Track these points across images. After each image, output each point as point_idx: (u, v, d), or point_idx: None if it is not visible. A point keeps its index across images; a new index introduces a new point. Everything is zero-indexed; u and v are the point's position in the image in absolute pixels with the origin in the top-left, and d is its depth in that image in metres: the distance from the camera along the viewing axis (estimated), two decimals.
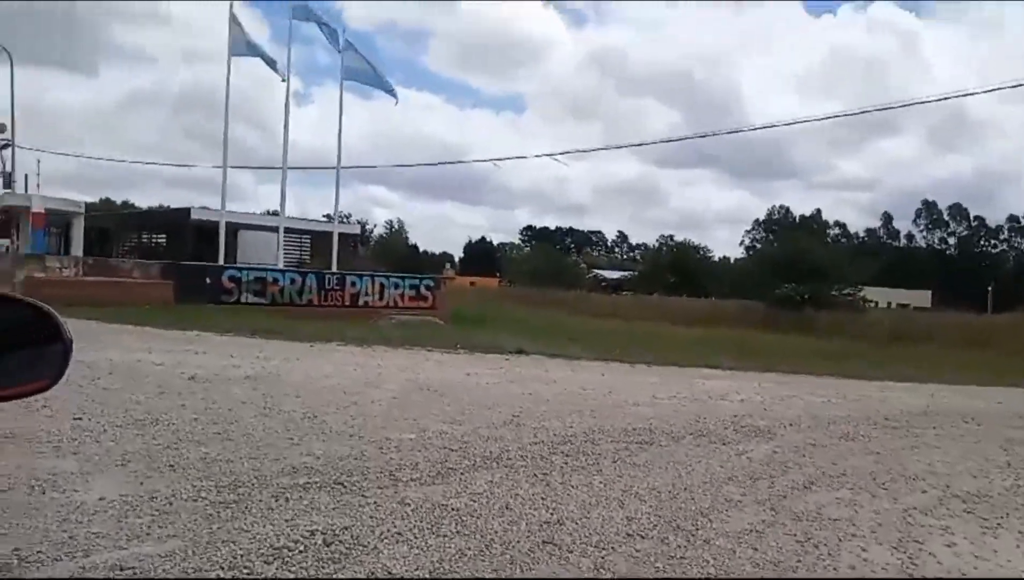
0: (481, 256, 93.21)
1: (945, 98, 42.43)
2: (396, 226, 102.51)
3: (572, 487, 4.91)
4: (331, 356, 11.77)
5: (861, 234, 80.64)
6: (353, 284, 23.60)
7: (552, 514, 4.30)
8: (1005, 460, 6.74)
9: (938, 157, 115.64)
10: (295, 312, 21.86)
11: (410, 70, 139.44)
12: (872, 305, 47.93)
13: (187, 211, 30.49)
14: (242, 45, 23.22)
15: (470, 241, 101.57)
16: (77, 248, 20.95)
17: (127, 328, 14.01)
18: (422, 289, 24.83)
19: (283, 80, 23.77)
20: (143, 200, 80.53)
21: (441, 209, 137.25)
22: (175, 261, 22.23)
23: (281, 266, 23.97)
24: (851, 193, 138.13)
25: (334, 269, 24.35)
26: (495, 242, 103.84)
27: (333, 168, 26.23)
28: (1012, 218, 72.84)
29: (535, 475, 5.16)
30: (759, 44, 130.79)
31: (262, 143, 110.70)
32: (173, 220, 32.01)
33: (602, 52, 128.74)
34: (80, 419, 5.93)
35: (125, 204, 73.17)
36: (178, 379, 8.19)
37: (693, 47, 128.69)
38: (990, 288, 69.63)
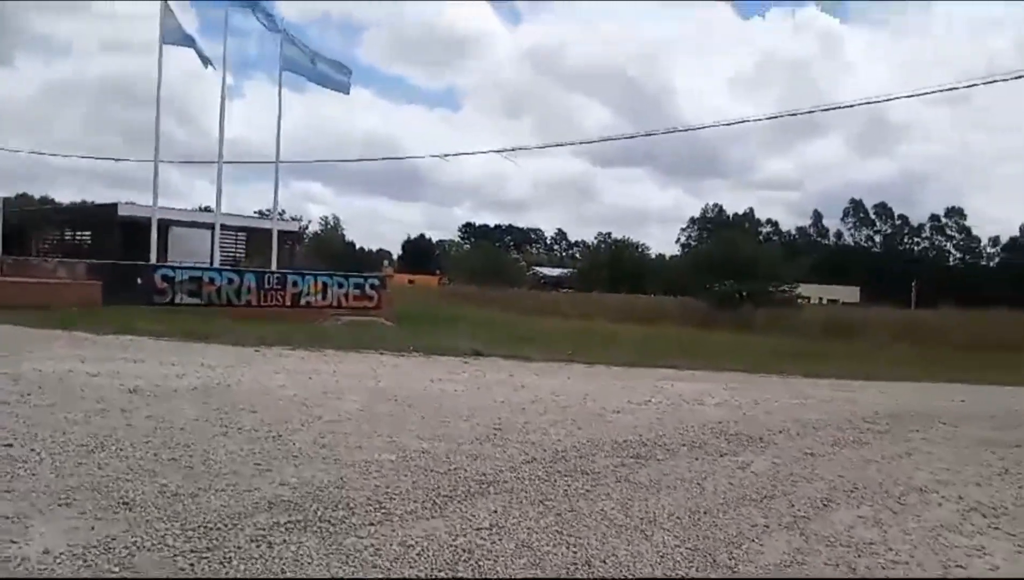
0: (420, 254, 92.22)
1: (868, 102, 43.26)
2: (332, 223, 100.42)
3: (584, 516, 4.43)
4: (280, 362, 11.00)
5: (792, 232, 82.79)
6: (295, 284, 22.64)
7: (575, 552, 3.81)
8: (1001, 466, 6.56)
9: (863, 159, 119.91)
10: (234, 313, 20.79)
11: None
12: (805, 301, 49.08)
13: (114, 207, 28.89)
14: (176, 34, 22.00)
15: (408, 238, 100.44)
16: None
17: (54, 333, 12.91)
18: (367, 288, 24.02)
19: (212, 69, 22.72)
20: (63, 196, 76.76)
21: (376, 205, 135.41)
22: (102, 260, 20.86)
23: (216, 264, 22.80)
24: (780, 192, 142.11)
25: (273, 268, 23.34)
26: (434, 239, 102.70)
27: (271, 162, 25.13)
28: (933, 217, 76.00)
29: (539, 502, 4.66)
30: (692, 44, 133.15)
31: (190, 137, 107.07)
32: (98, 216, 30.31)
33: (537, 49, 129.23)
34: (10, 446, 5.15)
35: (44, 200, 69.44)
36: (118, 393, 7.37)
37: (627, 45, 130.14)
38: (914, 284, 72.36)
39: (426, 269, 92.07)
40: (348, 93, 26.06)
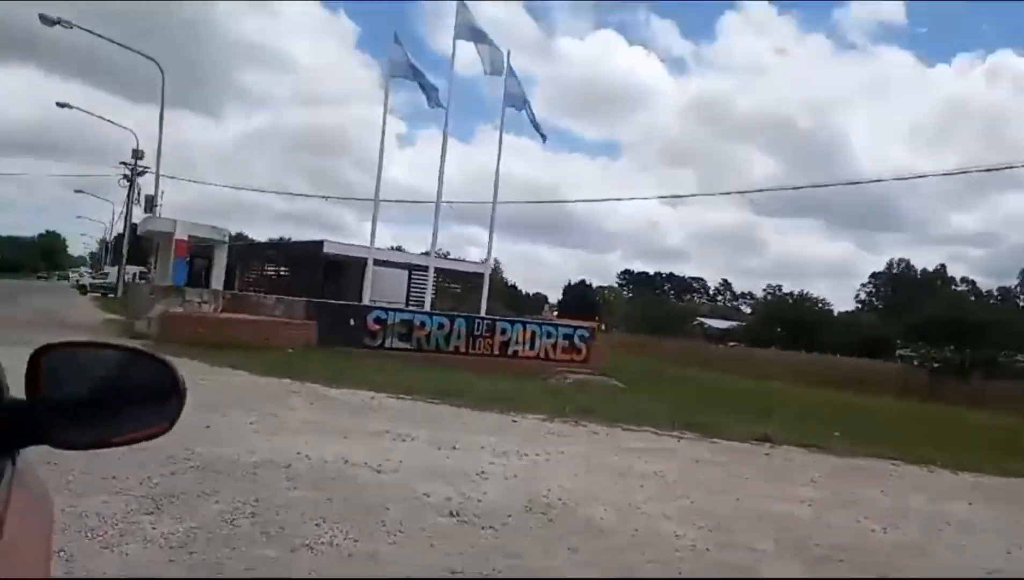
0: (580, 299, 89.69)
1: None
2: (494, 265, 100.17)
3: None
4: (566, 445, 8.50)
5: (994, 292, 73.33)
6: (503, 331, 20.60)
7: None
8: None
9: None
10: (443, 360, 18.96)
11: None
12: None
13: (319, 244, 28.32)
14: (402, 67, 21.04)
15: (569, 283, 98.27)
16: (218, 280, 18.66)
17: (285, 384, 11.21)
18: (576, 339, 21.61)
19: (437, 106, 21.36)
20: (252, 232, 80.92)
21: (534, 250, 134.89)
22: (308, 297, 19.68)
23: (427, 307, 21.16)
24: (965, 248, 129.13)
25: (483, 313, 21.40)
26: (592, 285, 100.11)
27: (489, 202, 23.28)
28: None
29: None
30: (867, 93, 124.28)
31: (364, 180, 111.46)
32: (303, 253, 29.95)
33: (701, 99, 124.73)
34: None
35: (239, 236, 73.29)
36: (430, 511, 5.08)
37: (797, 95, 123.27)
38: None
39: (587, 314, 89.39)
40: (544, 141, 24.02)
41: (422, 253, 31.84)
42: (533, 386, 14.77)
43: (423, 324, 19.48)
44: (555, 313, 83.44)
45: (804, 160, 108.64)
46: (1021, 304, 68.55)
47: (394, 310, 19.78)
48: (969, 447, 12.32)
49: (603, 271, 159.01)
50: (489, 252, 23.30)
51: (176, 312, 16.11)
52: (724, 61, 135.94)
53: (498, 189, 22.70)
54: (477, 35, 20.84)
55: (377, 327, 18.88)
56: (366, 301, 25.69)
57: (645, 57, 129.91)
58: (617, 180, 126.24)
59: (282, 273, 32.09)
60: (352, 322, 18.72)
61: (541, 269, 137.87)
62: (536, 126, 22.39)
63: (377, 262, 31.10)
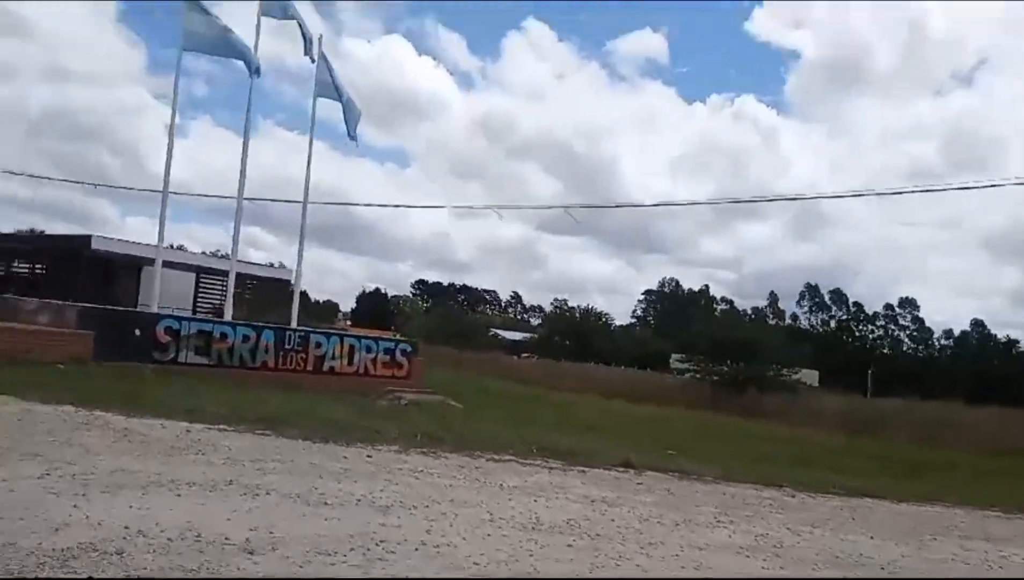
0: (375, 309, 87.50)
1: (801, 198, 41.51)
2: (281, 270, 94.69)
3: None
4: (433, 487, 7.19)
5: (749, 312, 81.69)
6: (318, 345, 18.66)
7: None
8: None
9: (796, 243, 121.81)
10: (249, 377, 16.69)
11: (297, 112, 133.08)
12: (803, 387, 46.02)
13: (86, 239, 24.27)
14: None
15: (364, 291, 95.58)
16: None
17: (69, 413, 8.78)
18: (397, 354, 20.16)
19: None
20: None
21: (323, 256, 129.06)
22: (93, 304, 16.51)
23: (227, 316, 18.61)
24: (718, 270, 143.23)
25: (293, 323, 19.25)
26: (387, 294, 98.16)
27: (297, 202, 21.14)
28: (888, 306, 76.02)
29: None
30: (635, 123, 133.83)
31: (124, 171, 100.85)
32: (64, 249, 25.54)
33: (489, 115, 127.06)
34: None
35: None
36: None
37: (574, 119, 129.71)
38: (870, 371, 71.60)
39: (381, 325, 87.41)
40: (356, 140, 22.22)
41: (210, 254, 28.60)
42: (367, 409, 13.23)
43: (224, 336, 17.03)
44: (348, 322, 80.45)
45: (581, 182, 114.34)
46: (774, 323, 76.75)
47: (190, 319, 17.13)
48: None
49: (393, 280, 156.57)
50: (300, 257, 21.00)
51: None
52: (509, 80, 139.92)
53: (308, 190, 20.56)
54: (287, 13, 18.85)
55: (168, 339, 16.17)
56: (147, 307, 22.41)
57: (434, 68, 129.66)
58: (406, 189, 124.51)
59: (37, 272, 27.20)
60: (137, 332, 15.87)
61: (330, 276, 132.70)
62: (348, 123, 20.58)
63: (168, 265, 27.53)
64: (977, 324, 73.30)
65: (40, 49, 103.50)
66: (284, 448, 8.26)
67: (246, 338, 17.30)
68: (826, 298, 78.00)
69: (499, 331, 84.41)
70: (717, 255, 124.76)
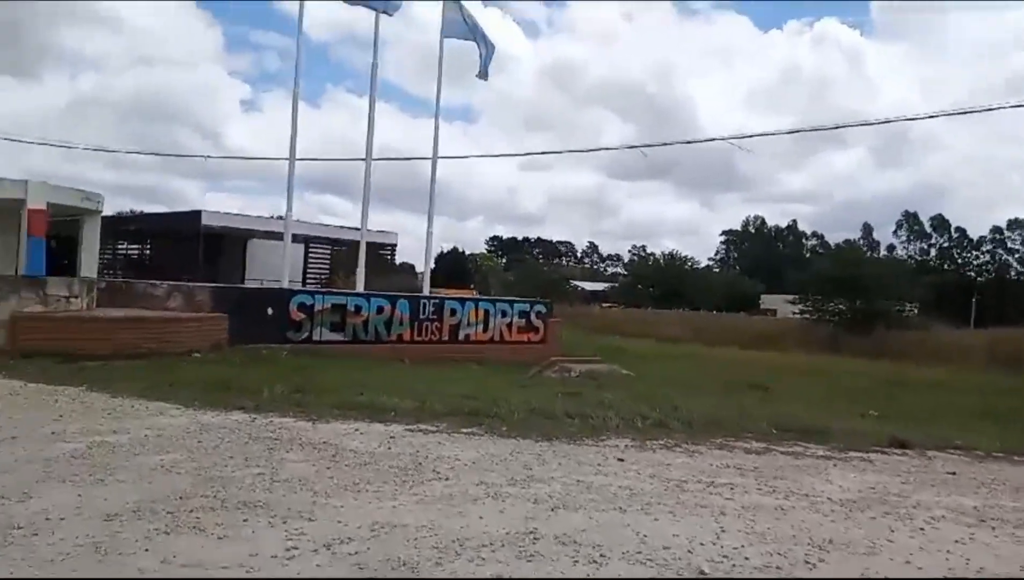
0: (455, 267, 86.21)
1: (889, 121, 36.59)
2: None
3: None
4: (743, 496, 5.24)
5: (841, 245, 77.02)
6: (453, 312, 16.94)
7: None
8: None
9: (881, 171, 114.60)
10: (386, 352, 15.12)
11: (364, 78, 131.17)
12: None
13: (195, 215, 23.09)
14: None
15: (442, 251, 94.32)
16: (90, 266, 13.39)
17: (244, 422, 7.11)
18: (532, 317, 18.30)
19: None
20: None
21: (393, 218, 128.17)
22: (229, 283, 15.08)
23: (360, 287, 16.97)
24: (798, 205, 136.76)
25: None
26: (464, 253, 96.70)
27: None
28: (995, 229, 70.24)
29: None
30: (709, 59, 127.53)
31: (205, 148, 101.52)
32: (174, 226, 24.46)
33: (556, 64, 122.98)
34: None
35: None
36: None
37: (645, 60, 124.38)
38: (974, 300, 66.72)
39: (462, 283, 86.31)
40: (486, 79, 20.26)
41: (319, 224, 27.19)
42: (544, 386, 11.39)
43: (359, 309, 15.44)
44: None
45: (654, 124, 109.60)
46: (868, 255, 72.09)
47: (323, 293, 15.56)
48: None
49: (467, 238, 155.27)
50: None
51: (34, 312, 11.21)
52: (577, 25, 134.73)
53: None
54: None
55: (303, 316, 14.66)
56: (266, 281, 21.09)
57: (501, 19, 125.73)
58: (476, 145, 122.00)
59: (147, 252, 26.32)
60: (271, 311, 14.40)
61: (404, 238, 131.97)
62: (482, 59, 18.54)
63: (260, 233, 26.24)
64: None
65: (127, 39, 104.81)
66: (517, 455, 6.39)
67: (380, 310, 15.68)
68: (926, 226, 72.78)
69: (578, 283, 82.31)
70: (798, 189, 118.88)
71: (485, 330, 17.32)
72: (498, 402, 8.88)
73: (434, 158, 18.95)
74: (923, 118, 38.73)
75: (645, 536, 4.28)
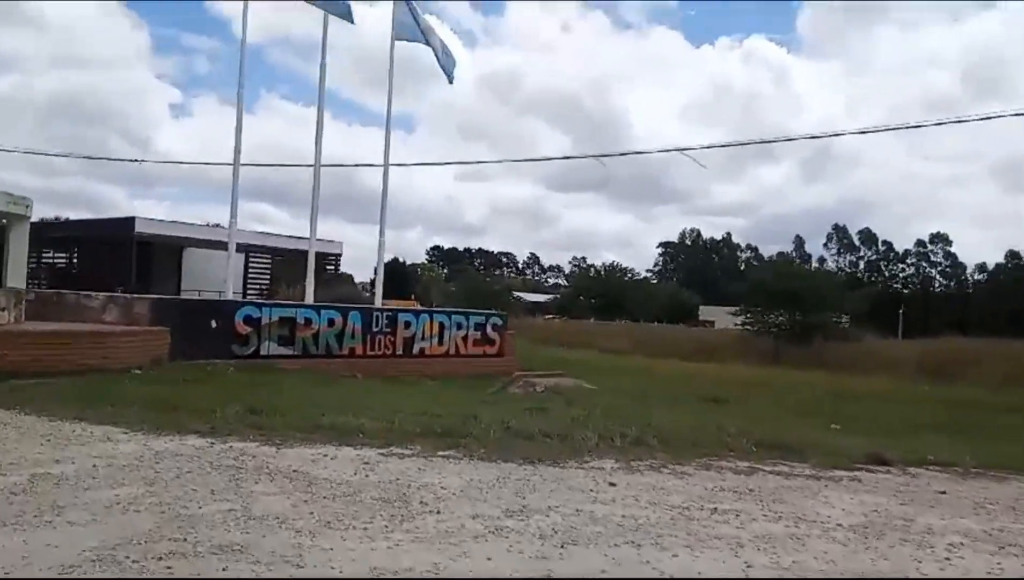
0: (397, 278, 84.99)
1: (815, 136, 38.21)
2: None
3: None
4: (756, 524, 4.97)
5: (774, 257, 79.15)
6: (407, 325, 16.40)
7: None
8: None
9: (807, 185, 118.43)
10: (339, 367, 14.50)
11: (299, 84, 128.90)
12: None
13: (129, 222, 21.88)
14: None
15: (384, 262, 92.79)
16: (18, 275, 12.26)
17: (198, 447, 6.52)
18: (488, 330, 17.91)
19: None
20: None
21: (330, 227, 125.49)
22: (163, 294, 14.19)
23: (309, 299, 16.26)
24: (729, 218, 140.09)
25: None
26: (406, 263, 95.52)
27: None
28: (919, 242, 73.23)
29: None
30: (644, 72, 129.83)
31: (132, 153, 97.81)
32: (104, 233, 23.13)
33: (494, 73, 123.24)
34: None
35: None
36: None
37: (582, 72, 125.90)
38: (901, 311, 69.33)
39: (402, 294, 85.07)
40: (452, 82, 20.01)
41: (259, 232, 26.19)
42: (513, 403, 11.01)
43: (309, 321, 14.76)
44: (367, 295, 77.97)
45: (590, 135, 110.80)
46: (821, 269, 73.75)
47: (271, 305, 14.82)
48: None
49: (405, 248, 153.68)
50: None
51: None
52: (514, 36, 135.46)
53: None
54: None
55: (249, 329, 13.91)
56: (217, 294, 20.08)
57: (439, 27, 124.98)
58: (414, 154, 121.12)
59: (73, 261, 24.81)
60: (215, 324, 13.61)
61: (343, 248, 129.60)
62: (446, 65, 18.12)
63: (197, 242, 25.11)
64: (1013, 255, 70.33)
65: (49, 38, 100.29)
66: (504, 481, 5.98)
67: (331, 322, 15.04)
68: (855, 239, 75.41)
69: (520, 294, 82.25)
70: (732, 202, 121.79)
71: (440, 343, 16.84)
72: (469, 421, 8.47)
73: (385, 165, 18.44)
74: (851, 133, 40.07)
75: (672, 576, 3.95)
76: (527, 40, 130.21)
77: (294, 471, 5.91)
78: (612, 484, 6.17)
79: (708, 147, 26.09)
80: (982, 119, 20.58)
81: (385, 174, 18.20)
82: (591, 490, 5.89)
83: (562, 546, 4.37)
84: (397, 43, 17.34)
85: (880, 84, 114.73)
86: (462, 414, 9.11)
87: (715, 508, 5.52)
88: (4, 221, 11.56)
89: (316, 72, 17.48)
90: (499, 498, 5.41)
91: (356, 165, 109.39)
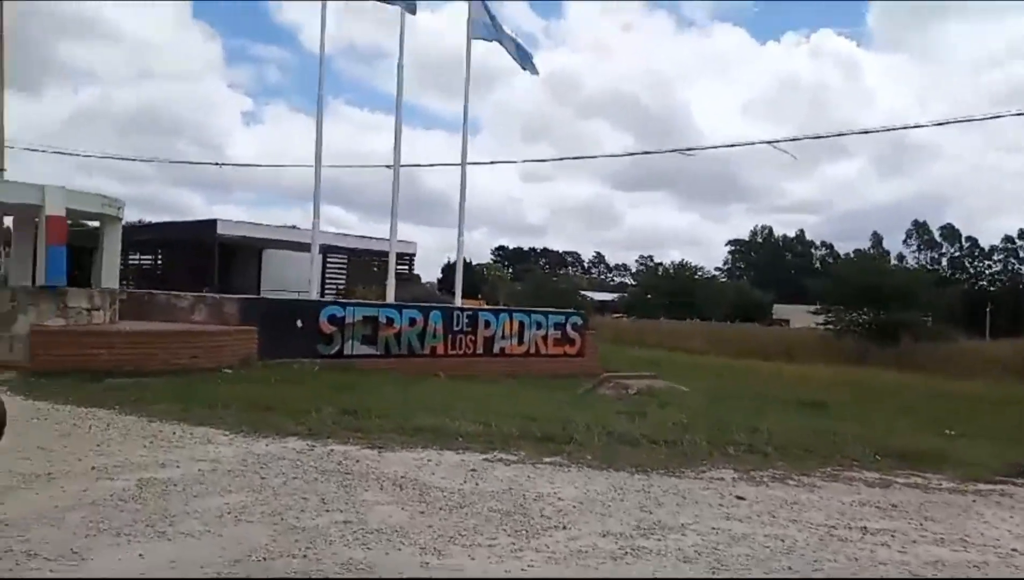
0: (463, 277, 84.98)
1: (888, 129, 35.72)
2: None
3: None
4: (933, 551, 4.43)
5: (851, 254, 76.16)
6: (487, 324, 16.10)
7: None
8: None
9: (883, 181, 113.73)
10: (421, 367, 14.30)
11: (361, 90, 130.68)
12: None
13: (211, 224, 22.28)
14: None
15: (448, 262, 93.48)
16: (111, 276, 12.49)
17: (297, 450, 6.29)
18: (568, 329, 17.46)
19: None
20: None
21: (400, 230, 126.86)
22: (255, 296, 14.26)
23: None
24: (800, 215, 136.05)
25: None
26: (472, 264, 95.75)
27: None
28: (1007, 238, 69.33)
29: None
30: (707, 70, 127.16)
31: (207, 159, 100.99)
32: (188, 235, 23.63)
33: (554, 75, 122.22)
34: None
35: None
36: None
37: (644, 71, 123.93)
38: (988, 310, 65.72)
39: (469, 294, 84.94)
40: (537, 73, 19.99)
41: (335, 233, 26.34)
42: (610, 407, 10.53)
43: (391, 321, 14.60)
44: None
45: (653, 135, 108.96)
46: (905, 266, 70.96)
47: (354, 305, 14.72)
48: None
49: (470, 249, 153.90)
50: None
51: (55, 326, 10.39)
52: (575, 37, 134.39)
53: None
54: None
55: (333, 329, 13.83)
56: (269, 293, 20.27)
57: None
58: (477, 156, 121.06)
59: (159, 263, 25.45)
60: (300, 324, 13.57)
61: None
62: (523, 58, 17.85)
63: (275, 243, 25.40)
64: None
65: (127, 52, 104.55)
66: (623, 493, 5.55)
67: (413, 322, 14.84)
68: (936, 235, 71.96)
69: (586, 293, 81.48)
70: (801, 199, 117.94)
71: (520, 343, 16.48)
72: (568, 425, 8.05)
73: (463, 164, 18.21)
74: (926, 126, 38.09)
75: None
76: (588, 41, 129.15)
77: (402, 478, 5.60)
78: (740, 498, 5.66)
79: (792, 140, 25.00)
80: None
81: (463, 173, 18.02)
82: (719, 504, 5.40)
83: (711, 571, 3.91)
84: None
85: (954, 76, 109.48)
86: (556, 417, 8.70)
87: (864, 527, 4.96)
88: (99, 223, 11.76)
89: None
90: (626, 513, 4.97)
91: (432, 165, 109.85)
